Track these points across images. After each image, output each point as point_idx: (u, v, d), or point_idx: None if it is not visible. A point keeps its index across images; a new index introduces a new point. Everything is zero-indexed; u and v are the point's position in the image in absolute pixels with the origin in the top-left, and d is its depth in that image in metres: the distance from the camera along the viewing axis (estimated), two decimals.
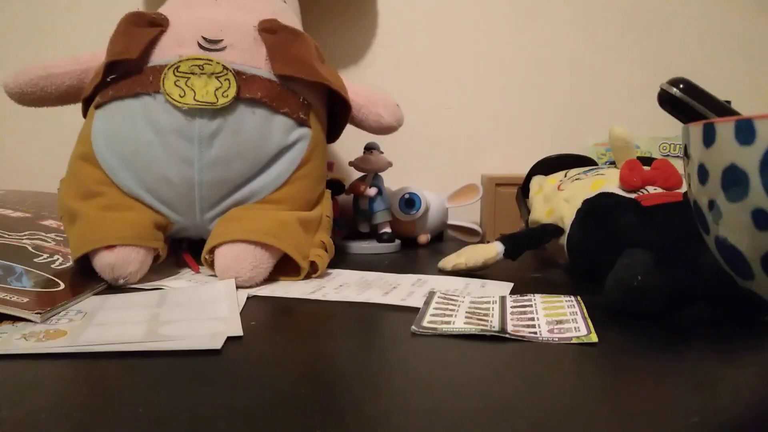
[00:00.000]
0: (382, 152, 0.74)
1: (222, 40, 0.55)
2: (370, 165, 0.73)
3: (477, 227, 0.79)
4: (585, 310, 0.41)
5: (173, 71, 0.53)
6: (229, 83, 0.53)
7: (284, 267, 0.53)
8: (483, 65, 0.91)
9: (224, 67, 0.53)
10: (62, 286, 0.45)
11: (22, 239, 0.54)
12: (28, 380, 0.29)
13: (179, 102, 0.52)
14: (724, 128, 0.25)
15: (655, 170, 0.50)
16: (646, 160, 0.53)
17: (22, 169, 0.92)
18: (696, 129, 0.27)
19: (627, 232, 0.46)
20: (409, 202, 0.74)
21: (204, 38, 0.55)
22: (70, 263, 0.51)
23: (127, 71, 0.55)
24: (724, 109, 0.37)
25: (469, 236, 0.80)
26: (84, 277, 0.49)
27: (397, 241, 0.72)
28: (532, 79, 0.91)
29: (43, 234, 0.57)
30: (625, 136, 0.53)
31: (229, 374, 0.30)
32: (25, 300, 0.41)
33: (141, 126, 0.53)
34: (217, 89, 0.52)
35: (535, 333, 0.36)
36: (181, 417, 0.25)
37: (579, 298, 0.44)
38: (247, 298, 0.46)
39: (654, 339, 0.36)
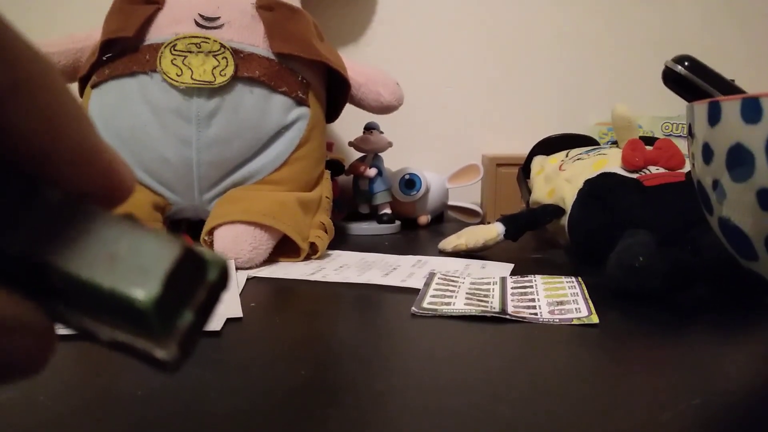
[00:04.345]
0: (382, 132, 0.74)
1: (219, 18, 0.54)
2: (370, 145, 0.72)
3: (477, 208, 0.78)
4: (586, 291, 0.40)
5: (170, 49, 0.52)
6: (227, 62, 0.52)
7: (284, 248, 0.53)
8: (484, 44, 0.90)
9: (222, 45, 0.52)
10: None
11: None
12: None
13: (176, 81, 0.51)
14: (730, 107, 0.25)
15: (658, 150, 0.49)
16: (649, 140, 0.52)
17: None
18: (701, 107, 0.27)
19: (629, 213, 0.46)
20: (410, 182, 0.74)
21: (201, 15, 0.54)
22: None
23: (123, 50, 0.54)
24: (729, 87, 0.36)
25: (469, 217, 0.79)
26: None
27: (397, 222, 0.72)
28: (533, 58, 0.90)
29: None
30: (627, 116, 0.52)
31: (228, 356, 0.30)
32: None
33: (138, 105, 0.53)
34: (214, 68, 0.52)
35: (536, 314, 0.36)
36: (180, 399, 0.25)
37: (580, 279, 0.44)
38: (247, 279, 0.46)
39: (655, 320, 0.36)
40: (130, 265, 0.11)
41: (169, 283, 0.11)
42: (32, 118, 0.11)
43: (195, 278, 0.12)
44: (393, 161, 0.78)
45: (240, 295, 0.41)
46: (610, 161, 0.51)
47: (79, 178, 0.12)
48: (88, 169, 0.13)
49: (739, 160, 0.24)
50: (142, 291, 0.11)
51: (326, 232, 0.56)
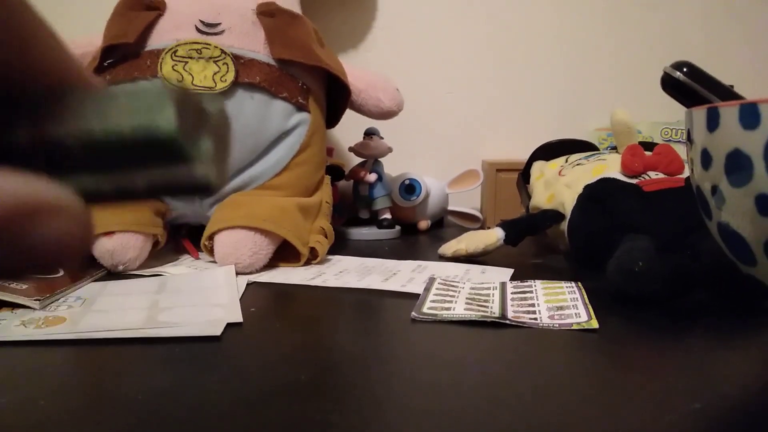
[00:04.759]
0: (382, 137, 0.74)
1: (220, 24, 0.55)
2: (370, 150, 0.72)
3: (477, 213, 0.78)
4: (586, 296, 0.40)
5: (171, 55, 0.52)
6: (228, 67, 0.52)
7: (284, 253, 0.53)
8: (484, 49, 0.90)
9: (222, 51, 0.52)
10: (61, 272, 0.45)
11: None
12: (27, 367, 0.29)
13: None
14: (728, 112, 0.25)
15: (657, 155, 0.49)
16: (648, 145, 0.52)
17: None
18: (699, 113, 0.27)
19: (628, 218, 0.46)
20: (410, 187, 0.74)
21: (202, 21, 0.54)
22: None
23: (124, 55, 0.54)
24: (728, 93, 0.36)
25: (469, 222, 0.80)
26: (83, 264, 0.49)
27: (397, 228, 0.72)
28: (533, 64, 0.90)
29: None
30: (626, 121, 0.52)
31: (229, 361, 0.30)
32: (24, 286, 0.41)
33: None
34: (215, 74, 0.52)
35: (536, 319, 0.36)
36: (180, 404, 0.25)
37: (580, 284, 0.44)
38: (247, 284, 0.46)
39: (655, 325, 0.36)
40: (139, 109, 0.12)
41: (180, 112, 0.12)
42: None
43: (199, 112, 0.12)
44: (393, 166, 0.78)
45: (240, 300, 0.41)
46: (610, 166, 0.51)
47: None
48: (60, 79, 0.13)
49: (738, 165, 0.24)
50: (161, 121, 0.11)
51: (326, 237, 0.56)
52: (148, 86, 0.12)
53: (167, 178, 0.12)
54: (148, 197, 0.12)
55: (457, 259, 0.55)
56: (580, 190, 0.51)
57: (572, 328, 0.35)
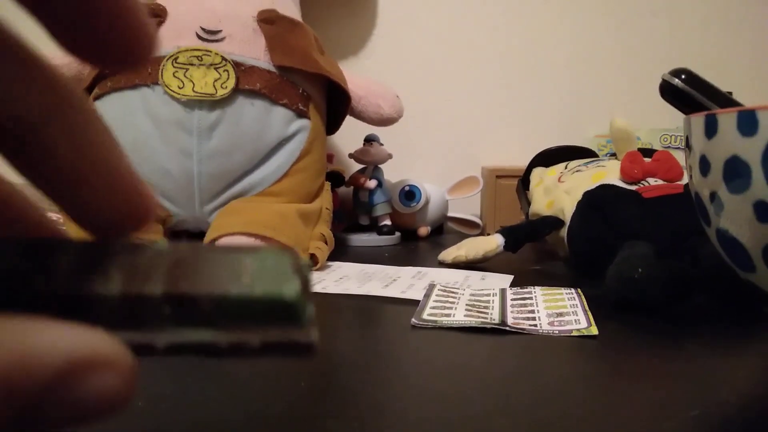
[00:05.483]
0: (382, 144, 0.74)
1: (221, 31, 0.55)
2: (370, 157, 0.72)
3: (477, 219, 0.79)
4: (585, 303, 0.40)
5: (172, 62, 0.52)
6: (228, 74, 0.53)
7: None
8: (484, 56, 0.91)
9: (223, 58, 0.53)
10: None
11: None
12: None
13: (178, 93, 0.52)
14: (727, 119, 0.25)
15: (656, 162, 0.50)
16: (647, 152, 0.53)
17: None
18: (698, 120, 0.27)
19: (627, 224, 0.46)
20: (409, 194, 0.74)
21: (202, 29, 0.55)
22: None
23: None
24: (726, 100, 0.36)
25: (469, 228, 0.80)
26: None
27: (397, 234, 0.72)
28: (532, 71, 0.91)
29: None
30: (626, 128, 0.53)
31: (228, 367, 0.30)
32: None
33: (140, 118, 0.53)
34: (216, 80, 0.52)
35: (536, 326, 0.36)
36: (181, 410, 0.25)
37: (579, 290, 0.44)
38: None
39: (654, 332, 0.36)
40: (266, 273, 0.12)
41: (300, 280, 0.12)
42: (71, 141, 0.12)
43: (304, 276, 0.13)
44: (393, 173, 0.78)
45: None
46: (609, 173, 0.52)
47: (113, 201, 0.13)
48: (122, 193, 0.13)
49: (736, 172, 0.25)
50: (290, 288, 0.12)
51: (326, 243, 0.56)
52: (268, 251, 0.13)
53: (280, 339, 0.12)
54: (252, 355, 0.12)
55: (456, 265, 0.55)
56: (579, 196, 0.51)
57: (572, 334, 0.35)
